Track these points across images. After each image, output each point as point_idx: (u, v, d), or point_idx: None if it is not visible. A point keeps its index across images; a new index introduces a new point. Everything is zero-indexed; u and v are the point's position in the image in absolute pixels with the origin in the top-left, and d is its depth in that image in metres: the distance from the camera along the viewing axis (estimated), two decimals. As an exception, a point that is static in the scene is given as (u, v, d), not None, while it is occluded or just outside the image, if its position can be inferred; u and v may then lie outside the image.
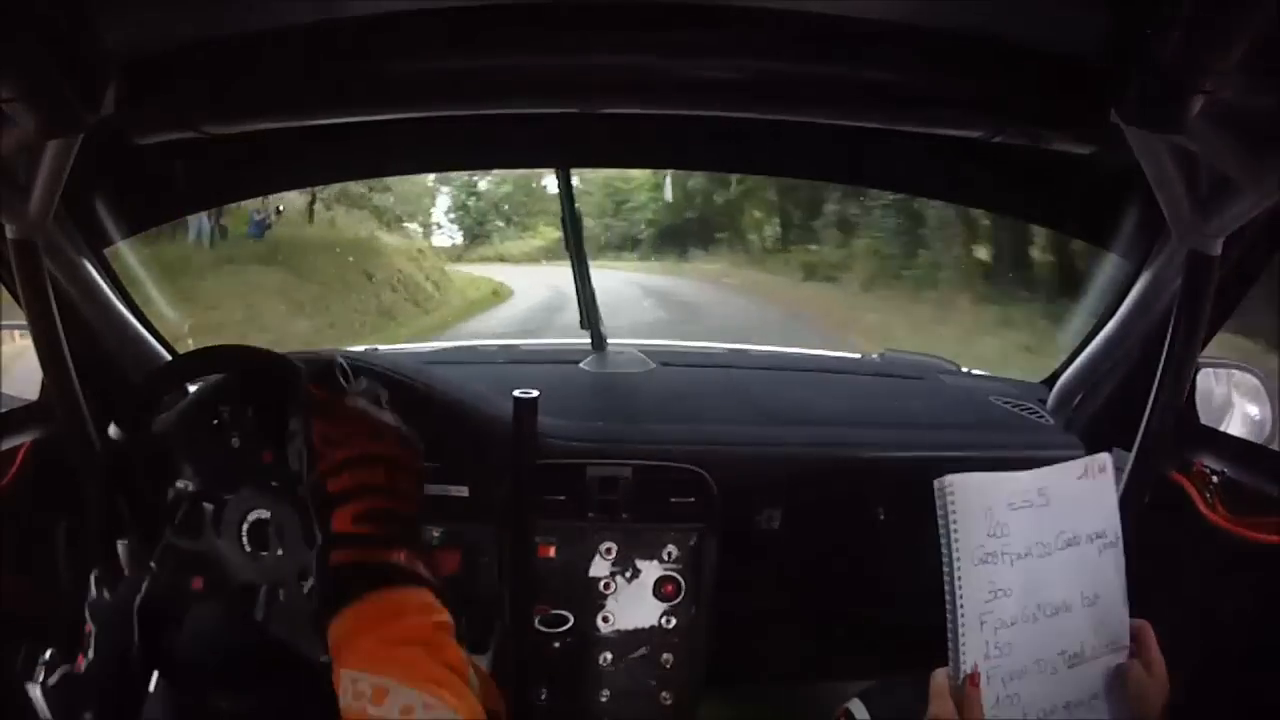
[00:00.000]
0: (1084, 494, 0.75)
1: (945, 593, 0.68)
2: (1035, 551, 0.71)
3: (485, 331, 7.86)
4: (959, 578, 0.68)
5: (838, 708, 1.02)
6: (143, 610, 0.83)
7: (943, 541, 0.69)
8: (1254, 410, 1.24)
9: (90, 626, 0.84)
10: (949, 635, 0.68)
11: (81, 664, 0.83)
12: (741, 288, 9.99)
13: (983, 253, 8.03)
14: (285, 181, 1.38)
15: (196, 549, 0.92)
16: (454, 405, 1.16)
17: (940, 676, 0.70)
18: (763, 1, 0.75)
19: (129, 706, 0.86)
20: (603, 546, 1.17)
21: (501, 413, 1.13)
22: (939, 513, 0.69)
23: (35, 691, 0.81)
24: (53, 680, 0.81)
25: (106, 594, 0.85)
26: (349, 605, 0.64)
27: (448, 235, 12.48)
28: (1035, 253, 7.22)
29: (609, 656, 1.18)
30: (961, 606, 0.68)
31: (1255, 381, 1.24)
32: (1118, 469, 1.13)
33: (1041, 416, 1.32)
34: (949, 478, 0.69)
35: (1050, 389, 1.36)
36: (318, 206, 8.75)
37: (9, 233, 0.95)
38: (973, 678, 0.68)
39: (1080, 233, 1.24)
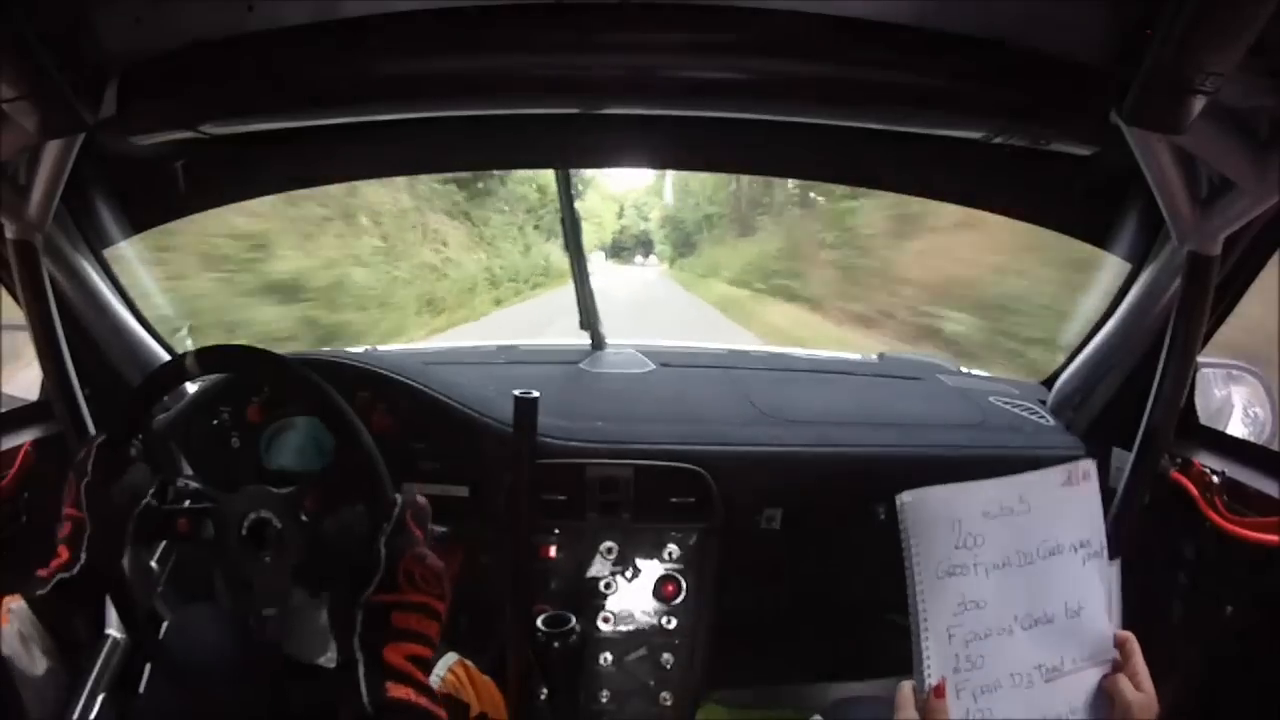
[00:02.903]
0: (1067, 501, 0.73)
1: (909, 606, 0.67)
2: (1015, 561, 0.70)
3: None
4: (921, 592, 0.67)
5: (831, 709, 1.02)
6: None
7: (904, 556, 0.68)
8: (1254, 410, 1.24)
9: (89, 525, 0.83)
10: (914, 648, 0.67)
11: (74, 568, 0.82)
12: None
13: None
14: (285, 182, 1.38)
15: (197, 548, 0.92)
16: (454, 406, 1.16)
17: (906, 688, 0.69)
18: (763, 1, 0.75)
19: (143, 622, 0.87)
20: (603, 546, 1.18)
21: (502, 413, 1.13)
22: (900, 527, 0.68)
23: (17, 604, 0.79)
24: (47, 588, 0.80)
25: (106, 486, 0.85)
26: None
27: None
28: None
29: (609, 656, 1.18)
30: (925, 620, 0.67)
31: (1255, 381, 1.24)
32: (1118, 469, 1.14)
33: (1042, 417, 1.32)
34: (905, 495, 0.68)
35: (1050, 389, 1.36)
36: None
37: (9, 233, 0.95)
38: (938, 689, 0.67)
39: (1080, 233, 1.23)
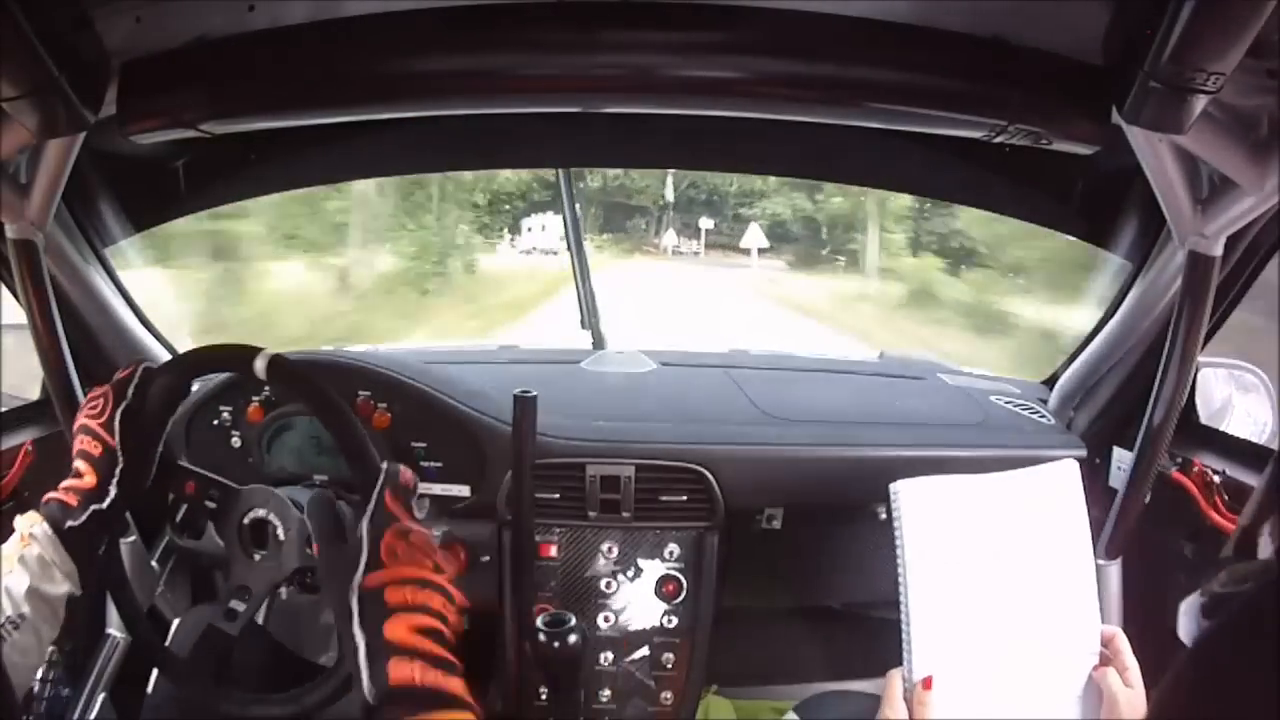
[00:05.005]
0: (1050, 500, 0.74)
1: (899, 596, 0.68)
2: (1004, 554, 0.71)
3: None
4: (910, 583, 0.68)
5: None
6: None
7: (896, 546, 0.68)
8: (1255, 410, 1.23)
9: (122, 458, 0.84)
10: (902, 638, 0.68)
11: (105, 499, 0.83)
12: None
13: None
14: (285, 181, 1.38)
15: (197, 548, 0.92)
16: (454, 405, 1.16)
17: (895, 678, 0.69)
18: (763, 1, 0.75)
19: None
20: (604, 546, 1.18)
21: (502, 412, 1.13)
22: (892, 517, 0.69)
23: (39, 528, 0.80)
24: (82, 519, 0.81)
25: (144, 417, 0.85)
26: None
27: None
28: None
29: (609, 656, 1.18)
30: (913, 611, 0.68)
31: (1256, 381, 1.24)
32: (1118, 469, 1.14)
33: (1042, 416, 1.32)
34: (900, 483, 0.69)
35: (1051, 389, 1.36)
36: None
37: (9, 233, 0.95)
38: (925, 681, 0.67)
39: (1080, 233, 1.23)
